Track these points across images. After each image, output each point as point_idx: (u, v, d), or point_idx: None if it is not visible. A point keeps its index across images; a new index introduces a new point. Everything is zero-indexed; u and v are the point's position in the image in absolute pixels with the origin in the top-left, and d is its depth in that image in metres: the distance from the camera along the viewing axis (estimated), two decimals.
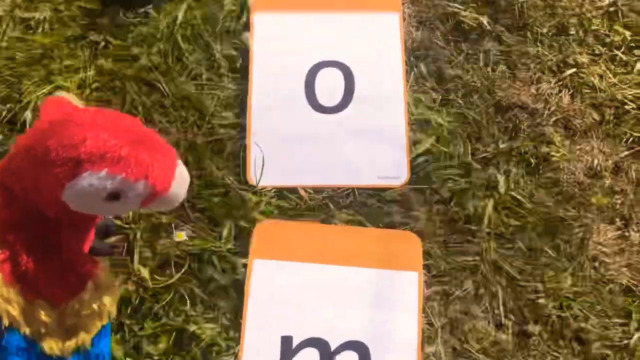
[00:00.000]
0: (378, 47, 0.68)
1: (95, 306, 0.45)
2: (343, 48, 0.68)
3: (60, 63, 0.68)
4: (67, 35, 0.69)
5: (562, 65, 0.70)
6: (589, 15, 0.73)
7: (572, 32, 0.72)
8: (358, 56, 0.68)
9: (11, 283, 0.43)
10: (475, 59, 0.70)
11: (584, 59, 0.70)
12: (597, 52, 0.71)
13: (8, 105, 0.66)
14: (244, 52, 0.68)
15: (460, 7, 0.72)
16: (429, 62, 0.70)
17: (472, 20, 0.71)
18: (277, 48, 0.68)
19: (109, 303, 0.46)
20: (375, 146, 0.65)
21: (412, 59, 0.70)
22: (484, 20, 0.71)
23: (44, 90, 0.66)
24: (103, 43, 0.69)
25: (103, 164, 0.39)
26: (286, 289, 0.59)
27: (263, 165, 0.63)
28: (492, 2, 0.72)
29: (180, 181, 0.44)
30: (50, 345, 0.45)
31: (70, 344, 0.45)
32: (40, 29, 0.70)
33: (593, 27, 0.72)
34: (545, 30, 0.72)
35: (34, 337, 0.44)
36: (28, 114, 0.64)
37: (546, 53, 0.71)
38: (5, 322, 0.43)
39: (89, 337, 0.46)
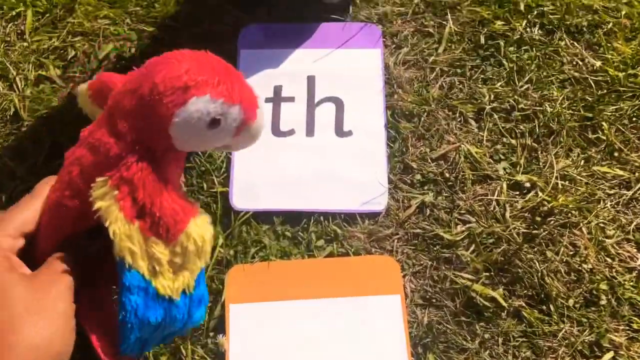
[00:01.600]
0: (378, 330, 0.60)
1: (199, 242, 0.45)
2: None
3: None
4: None
5: (595, 347, 0.60)
6: (620, 279, 0.63)
7: (602, 303, 0.62)
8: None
9: (131, 219, 0.43)
10: (493, 343, 0.60)
11: (621, 338, 0.60)
12: (635, 326, 0.61)
13: None
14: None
15: (470, 277, 0.63)
16: (437, 352, 0.60)
17: (485, 296, 0.62)
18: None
19: (209, 240, 0.46)
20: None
21: (418, 348, 0.61)
22: (498, 295, 0.62)
23: None
24: None
25: (206, 88, 0.42)
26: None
27: None
28: (505, 270, 0.63)
29: (262, 113, 0.48)
30: (162, 284, 0.44)
31: (178, 284, 0.45)
32: None
33: (627, 295, 0.62)
34: (571, 303, 0.62)
35: (150, 276, 0.44)
36: None
37: (575, 332, 0.61)
38: (130, 260, 0.43)
39: (192, 278, 0.46)
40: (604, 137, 0.70)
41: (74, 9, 0.79)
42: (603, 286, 0.62)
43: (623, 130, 0.70)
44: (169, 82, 0.42)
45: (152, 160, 0.44)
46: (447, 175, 0.68)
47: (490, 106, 0.72)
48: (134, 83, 0.44)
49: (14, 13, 0.79)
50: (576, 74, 0.74)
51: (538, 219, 0.65)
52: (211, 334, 0.61)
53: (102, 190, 0.43)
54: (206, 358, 0.60)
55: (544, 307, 0.62)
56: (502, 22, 0.76)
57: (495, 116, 0.72)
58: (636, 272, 0.64)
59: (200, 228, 0.46)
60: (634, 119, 0.72)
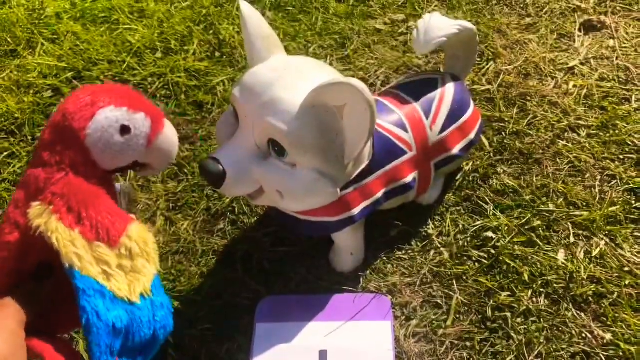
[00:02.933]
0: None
1: (141, 243, 0.48)
2: None
3: None
4: None
5: None
6: None
7: None
8: None
9: (70, 226, 0.45)
10: None
11: None
12: None
13: None
14: None
15: None
16: None
17: None
18: None
19: (151, 242, 0.50)
20: None
21: None
22: None
23: None
24: None
25: (110, 100, 0.50)
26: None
27: None
28: None
29: (170, 127, 0.57)
30: (117, 287, 0.46)
31: (134, 287, 0.47)
32: None
33: None
34: None
35: (102, 279, 0.45)
36: None
37: None
38: (78, 263, 0.44)
39: (147, 282, 0.48)
40: None
41: None
42: None
43: None
44: (77, 103, 0.49)
45: (78, 174, 0.50)
46: None
47: None
48: (50, 121, 0.51)
49: None
50: (586, 348, 0.74)
51: None
52: None
53: (38, 210, 0.47)
54: None
55: None
56: (508, 293, 0.79)
57: None
58: None
59: (140, 231, 0.50)
60: None
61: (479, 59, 1.08)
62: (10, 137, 1.04)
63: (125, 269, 0.48)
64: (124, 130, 0.51)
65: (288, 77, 0.62)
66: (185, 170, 0.94)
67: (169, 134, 0.56)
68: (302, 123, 0.60)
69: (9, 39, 1.23)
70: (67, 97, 0.53)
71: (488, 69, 1.07)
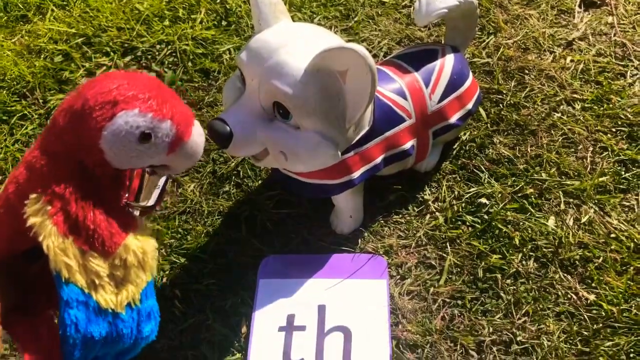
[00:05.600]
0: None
1: (139, 254, 0.46)
2: None
3: None
4: None
5: None
6: None
7: None
8: None
9: (65, 234, 0.43)
10: None
11: None
12: None
13: None
14: None
15: None
16: None
17: None
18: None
19: (151, 252, 0.48)
20: None
21: None
22: None
23: None
24: None
25: (135, 102, 0.44)
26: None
27: None
28: None
29: (199, 131, 0.51)
30: (104, 298, 0.44)
31: (122, 297, 0.45)
32: None
33: None
34: None
35: (89, 289, 0.44)
36: None
37: None
38: (66, 274, 0.43)
39: (137, 291, 0.47)
40: None
41: None
42: None
43: None
44: (99, 97, 0.44)
45: (84, 175, 0.46)
46: None
47: (489, 338, 0.76)
48: (69, 101, 0.47)
49: None
50: (571, 308, 0.78)
51: None
52: None
53: (36, 207, 0.44)
54: None
55: None
56: (499, 256, 0.83)
57: (495, 349, 0.75)
58: None
59: (140, 241, 0.47)
60: (631, 354, 0.74)
61: (479, 33, 1.11)
62: (22, 99, 1.08)
63: (116, 279, 0.47)
64: (144, 137, 0.46)
65: (293, 42, 0.65)
66: None
67: (195, 142, 0.51)
68: (306, 86, 0.63)
69: (19, 4, 1.25)
70: (90, 81, 0.48)
71: (488, 42, 1.09)
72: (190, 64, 1.10)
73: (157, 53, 1.12)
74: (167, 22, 1.17)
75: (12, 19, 1.23)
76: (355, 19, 1.16)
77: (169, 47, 1.13)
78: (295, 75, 0.63)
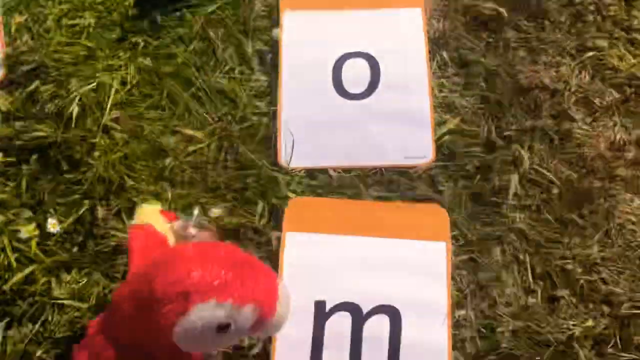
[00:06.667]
0: (402, 39, 0.76)
1: None
2: (369, 41, 0.76)
3: (104, 62, 0.75)
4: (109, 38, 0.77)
5: (581, 49, 0.75)
6: (606, 1, 0.77)
7: (589, 19, 0.77)
8: (383, 47, 0.76)
9: None
10: (495, 46, 0.76)
11: (603, 42, 0.75)
12: (615, 35, 0.76)
13: (56, 102, 0.72)
14: (274, 47, 0.77)
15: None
16: (451, 50, 0.76)
17: (492, 11, 0.77)
18: (306, 42, 0.77)
19: None
20: (401, 128, 0.71)
21: (434, 47, 0.75)
22: (503, 10, 0.76)
23: (90, 87, 0.73)
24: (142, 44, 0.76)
25: (211, 292, 0.39)
26: (318, 259, 0.64)
27: (293, 148, 0.70)
28: None
29: (285, 301, 0.44)
30: None
31: None
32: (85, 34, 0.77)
33: (611, 13, 0.77)
34: (563, 19, 0.77)
35: None
36: (75, 108, 0.72)
37: (565, 38, 0.76)
38: None
39: None
40: None
41: None
42: (591, 7, 0.77)
43: None
44: (169, 287, 0.39)
45: None
46: None
47: None
48: (134, 284, 0.43)
49: None
50: None
51: None
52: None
53: None
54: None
55: (540, 21, 0.76)
56: None
57: None
58: None
59: None
60: None
61: None
62: None
63: None
64: (223, 327, 0.42)
65: None
66: None
67: (281, 316, 0.45)
68: None
69: None
70: (159, 260, 0.43)
71: None
72: None
73: None
74: None
75: None
76: None
77: None
78: None
